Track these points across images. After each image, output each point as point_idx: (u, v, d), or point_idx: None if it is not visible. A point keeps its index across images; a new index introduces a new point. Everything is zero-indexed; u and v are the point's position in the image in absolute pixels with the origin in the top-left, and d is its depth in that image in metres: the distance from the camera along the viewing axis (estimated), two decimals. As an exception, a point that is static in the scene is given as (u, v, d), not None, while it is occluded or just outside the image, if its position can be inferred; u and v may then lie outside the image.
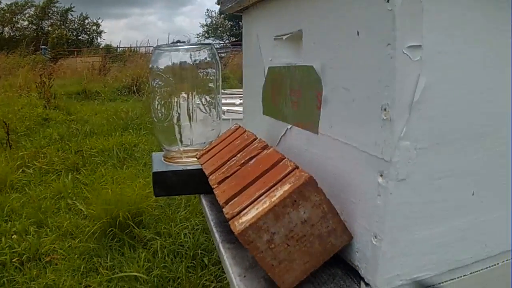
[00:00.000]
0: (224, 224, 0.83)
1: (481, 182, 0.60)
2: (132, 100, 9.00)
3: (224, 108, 2.49)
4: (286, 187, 0.56)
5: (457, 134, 0.55)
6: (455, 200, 0.58)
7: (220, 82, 1.11)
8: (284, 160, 0.64)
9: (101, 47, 29.69)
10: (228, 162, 0.78)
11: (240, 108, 2.28)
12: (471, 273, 0.64)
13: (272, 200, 0.56)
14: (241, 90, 1.30)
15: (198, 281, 1.96)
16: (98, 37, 34.16)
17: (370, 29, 0.53)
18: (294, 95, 0.79)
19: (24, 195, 3.35)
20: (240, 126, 0.94)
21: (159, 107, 1.05)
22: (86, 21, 33.14)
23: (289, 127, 0.83)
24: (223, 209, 0.64)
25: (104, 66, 14.81)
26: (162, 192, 0.99)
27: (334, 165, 0.65)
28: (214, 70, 1.08)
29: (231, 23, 33.88)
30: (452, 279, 0.62)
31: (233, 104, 2.48)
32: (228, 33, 35.98)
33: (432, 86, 0.51)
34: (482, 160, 0.59)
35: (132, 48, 21.37)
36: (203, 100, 1.07)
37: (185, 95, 1.05)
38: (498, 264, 0.67)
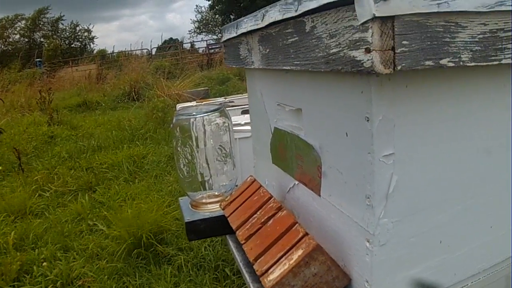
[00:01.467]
0: (249, 265, 1.01)
1: (446, 232, 0.79)
2: (134, 108, 9.13)
3: (230, 128, 2.67)
4: (300, 252, 0.76)
5: (423, 206, 0.75)
6: (426, 249, 0.78)
7: (232, 136, 1.30)
8: (296, 226, 0.83)
9: (94, 52, 29.77)
10: (250, 219, 0.98)
11: (245, 127, 2.45)
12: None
13: (290, 262, 0.76)
14: (244, 95, 1.45)
15: (223, 292, 2.15)
16: (91, 43, 34.28)
17: (355, 136, 0.73)
18: (299, 159, 0.98)
19: (45, 219, 3.50)
20: (255, 180, 1.13)
21: (182, 165, 1.25)
22: (77, 28, 33.23)
23: (296, 182, 1.02)
24: (253, 266, 0.84)
25: (101, 74, 14.93)
26: (194, 237, 1.19)
27: (335, 224, 0.85)
28: (226, 127, 1.27)
29: (222, 17, 33.86)
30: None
31: (238, 124, 2.65)
32: (220, 27, 35.75)
33: (402, 179, 0.71)
34: (446, 217, 0.78)
35: (127, 52, 21.48)
36: (220, 154, 1.26)
37: (204, 151, 1.25)
38: (467, 284, 0.87)
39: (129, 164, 4.80)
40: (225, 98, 4.84)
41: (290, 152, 1.02)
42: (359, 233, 0.75)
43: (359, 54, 0.59)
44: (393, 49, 0.57)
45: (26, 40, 30.51)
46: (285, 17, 0.81)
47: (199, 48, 25.99)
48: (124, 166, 4.71)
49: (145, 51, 22.39)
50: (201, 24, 37.39)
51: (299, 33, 0.78)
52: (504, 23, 0.68)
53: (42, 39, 30.38)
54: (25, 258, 2.79)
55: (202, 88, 9.57)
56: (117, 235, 2.87)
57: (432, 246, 0.79)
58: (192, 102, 5.28)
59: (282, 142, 1.07)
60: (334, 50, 0.66)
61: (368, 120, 0.67)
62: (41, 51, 25.22)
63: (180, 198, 1.35)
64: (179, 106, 4.50)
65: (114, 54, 23.85)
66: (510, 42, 0.70)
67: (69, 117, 8.34)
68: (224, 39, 1.33)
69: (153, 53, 22.98)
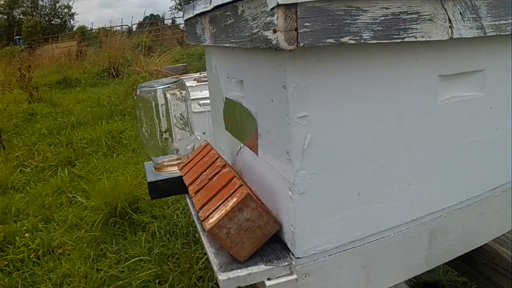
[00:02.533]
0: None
1: (363, 186, 0.94)
2: (113, 84, 9.19)
3: (200, 101, 2.80)
4: (234, 199, 0.90)
5: (338, 161, 0.89)
6: (344, 200, 0.92)
7: (190, 106, 1.43)
8: (234, 179, 0.97)
9: (74, 29, 29.50)
10: (200, 176, 1.12)
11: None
12: (368, 243, 1.00)
13: (226, 208, 0.90)
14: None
15: (192, 255, 2.28)
16: (71, 20, 33.91)
17: (277, 101, 0.86)
18: (242, 124, 1.12)
19: (26, 194, 3.61)
20: (208, 144, 1.26)
21: (145, 132, 1.38)
22: (57, 4, 32.81)
23: (242, 145, 1.16)
24: (198, 214, 0.99)
25: (81, 51, 14.87)
26: (156, 195, 1.33)
27: (269, 178, 0.99)
28: (184, 97, 1.40)
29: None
30: (354, 247, 0.98)
31: (207, 97, 2.78)
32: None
33: (315, 137, 0.85)
34: (362, 172, 0.93)
35: (107, 28, 21.33)
36: (179, 122, 1.40)
37: (165, 119, 1.38)
38: (390, 235, 1.02)
39: (107, 139, 4.91)
40: (200, 74, 4.95)
41: (237, 119, 1.16)
42: (284, 184, 0.90)
43: (269, 34, 0.73)
44: (296, 29, 0.71)
45: (5, 17, 30.07)
46: (224, 1, 0.94)
47: (179, 24, 25.86)
48: (103, 141, 4.82)
49: (125, 27, 22.28)
50: (182, 0, 37.03)
51: (234, 15, 0.91)
52: (408, 7, 0.82)
53: (21, 16, 29.96)
54: (8, 230, 2.90)
55: (180, 64, 9.64)
56: (95, 206, 3.00)
57: (350, 198, 0.94)
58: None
59: (231, 110, 1.21)
60: (255, 31, 0.80)
61: (284, 88, 0.81)
62: (21, 29, 24.92)
63: (145, 163, 1.48)
64: (156, 82, 4.60)
65: (94, 30, 23.68)
66: (415, 23, 0.83)
67: (49, 94, 8.38)
68: (184, 18, 1.46)
69: (134, 29, 22.88)
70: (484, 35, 0.92)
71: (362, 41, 0.78)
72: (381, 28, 0.80)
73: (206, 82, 3.97)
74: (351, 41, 0.77)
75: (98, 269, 2.39)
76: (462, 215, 1.13)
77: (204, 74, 4.80)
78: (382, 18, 0.79)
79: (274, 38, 0.72)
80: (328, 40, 0.74)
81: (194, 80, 4.17)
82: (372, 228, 0.99)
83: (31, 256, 2.62)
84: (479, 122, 1.07)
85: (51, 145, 4.99)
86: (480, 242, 1.24)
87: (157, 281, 2.16)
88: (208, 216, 0.93)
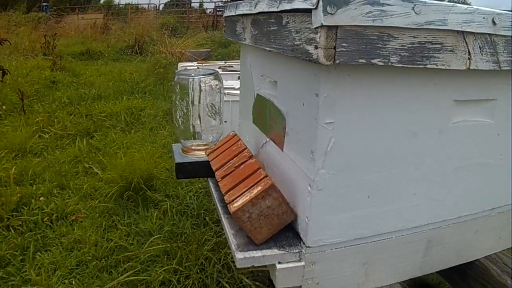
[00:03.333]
0: (223, 201, 1.26)
1: (374, 190, 1.05)
2: (136, 62, 9.27)
3: (225, 91, 2.90)
4: (259, 188, 1.01)
5: (354, 166, 1.00)
6: (355, 200, 1.03)
7: (222, 96, 1.54)
8: (260, 170, 1.09)
9: (101, 1, 29.62)
10: (227, 163, 1.23)
11: (238, 92, 2.67)
12: (371, 242, 1.10)
13: (251, 195, 1.01)
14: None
15: (201, 236, 2.37)
16: (99, -9, 34.00)
17: (308, 106, 0.97)
18: (271, 120, 1.22)
19: (44, 159, 3.70)
20: (236, 134, 1.37)
21: (179, 117, 1.50)
22: (86, -25, 32.85)
23: (268, 139, 1.27)
24: (224, 197, 1.10)
25: (106, 24, 14.96)
26: (182, 176, 1.44)
27: (291, 172, 1.10)
28: (218, 89, 1.51)
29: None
30: (358, 244, 1.09)
31: (232, 88, 2.88)
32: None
33: (338, 142, 0.95)
34: (374, 178, 1.04)
35: (134, 5, 21.43)
36: (210, 111, 1.51)
37: (198, 107, 1.49)
38: (392, 237, 1.13)
39: (127, 115, 4.98)
40: (225, 62, 5.04)
41: (266, 114, 1.27)
42: (304, 179, 1.01)
43: (311, 49, 0.84)
44: (334, 48, 0.82)
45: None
46: (270, 10, 1.05)
47: (207, 9, 25.87)
48: (122, 117, 4.90)
49: (152, 6, 22.38)
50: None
51: (278, 24, 1.02)
52: (433, 37, 0.92)
53: (49, -17, 30.06)
54: (24, 192, 2.99)
55: (204, 50, 9.71)
56: (110, 178, 3.10)
57: (361, 199, 1.04)
58: (193, 62, 5.46)
59: (261, 106, 1.31)
60: (297, 42, 0.90)
61: (317, 96, 0.92)
62: (48, -6, 25.01)
63: (173, 144, 1.60)
64: (180, 65, 4.70)
65: (121, 5, 23.79)
66: (437, 52, 0.93)
67: (72, 64, 8.44)
68: (225, 15, 1.56)
69: (160, 9, 22.97)
70: (499, 69, 1.02)
71: (390, 64, 0.88)
72: (407, 54, 0.90)
73: (231, 72, 4.09)
74: (380, 63, 0.87)
75: (108, 239, 2.49)
76: (459, 229, 1.24)
77: (229, 62, 4.89)
78: (410, 45, 0.90)
79: (315, 53, 0.82)
80: (361, 60, 0.85)
81: (219, 68, 4.25)
82: (376, 229, 1.10)
83: (44, 220, 2.70)
84: (486, 146, 1.17)
85: (71, 114, 5.08)
86: (473, 257, 1.34)
87: (165, 256, 2.26)
88: (233, 200, 1.05)
